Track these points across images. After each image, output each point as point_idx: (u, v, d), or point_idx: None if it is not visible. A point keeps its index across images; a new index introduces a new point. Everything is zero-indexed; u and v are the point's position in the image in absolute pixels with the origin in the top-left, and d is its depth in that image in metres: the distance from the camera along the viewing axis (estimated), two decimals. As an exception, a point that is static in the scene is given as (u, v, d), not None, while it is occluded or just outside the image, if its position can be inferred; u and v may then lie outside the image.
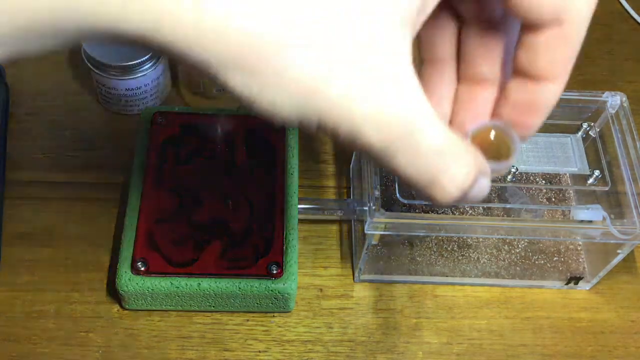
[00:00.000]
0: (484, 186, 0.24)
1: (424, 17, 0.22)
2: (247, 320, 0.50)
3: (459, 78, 0.27)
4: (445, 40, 0.26)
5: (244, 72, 0.19)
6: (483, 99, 0.26)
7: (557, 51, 0.24)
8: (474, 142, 0.25)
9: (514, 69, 0.25)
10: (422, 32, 0.26)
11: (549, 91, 0.24)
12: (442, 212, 0.53)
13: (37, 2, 0.17)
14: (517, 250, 0.53)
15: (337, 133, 0.21)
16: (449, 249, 0.53)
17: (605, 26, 0.72)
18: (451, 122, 0.27)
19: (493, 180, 0.54)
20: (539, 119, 0.25)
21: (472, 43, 0.26)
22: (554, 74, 0.24)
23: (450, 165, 0.22)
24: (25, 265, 0.51)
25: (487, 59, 0.26)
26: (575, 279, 0.53)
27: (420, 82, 0.24)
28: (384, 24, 0.20)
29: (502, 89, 0.26)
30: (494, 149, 0.26)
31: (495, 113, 0.26)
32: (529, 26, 0.23)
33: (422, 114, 0.21)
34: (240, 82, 0.19)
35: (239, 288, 0.47)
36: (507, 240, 0.53)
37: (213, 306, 0.49)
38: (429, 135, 0.21)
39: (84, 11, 0.17)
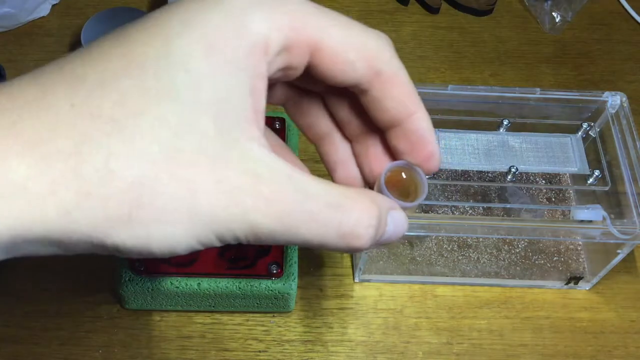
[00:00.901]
0: (400, 220, 0.25)
1: (262, 104, 0.23)
2: (247, 320, 0.50)
3: (348, 139, 0.29)
4: (319, 118, 0.29)
5: (127, 229, 0.20)
6: (375, 147, 0.28)
7: (394, 95, 0.25)
8: (389, 184, 0.27)
9: (378, 125, 0.27)
10: (298, 121, 0.29)
11: (417, 122, 0.26)
12: (442, 212, 0.53)
13: None
14: (517, 250, 0.53)
15: (238, 239, 0.22)
16: (449, 249, 0.53)
17: (605, 26, 0.72)
18: (363, 177, 0.29)
19: (493, 180, 0.54)
20: (430, 146, 0.26)
21: (337, 110, 0.28)
22: (407, 112, 0.26)
23: (350, 212, 0.23)
24: (25, 265, 0.51)
25: (356, 118, 0.28)
26: (575, 279, 0.53)
27: (331, 155, 0.28)
28: (228, 131, 0.21)
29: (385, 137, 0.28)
30: (407, 185, 0.27)
31: (395, 159, 0.28)
32: (359, 90, 0.25)
33: (300, 185, 0.22)
34: (128, 239, 0.20)
35: (239, 288, 0.47)
36: (507, 240, 0.53)
37: (213, 306, 0.49)
38: (318, 198, 0.22)
39: None
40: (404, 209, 0.26)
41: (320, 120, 0.29)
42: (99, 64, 0.21)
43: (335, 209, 0.23)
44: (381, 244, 0.25)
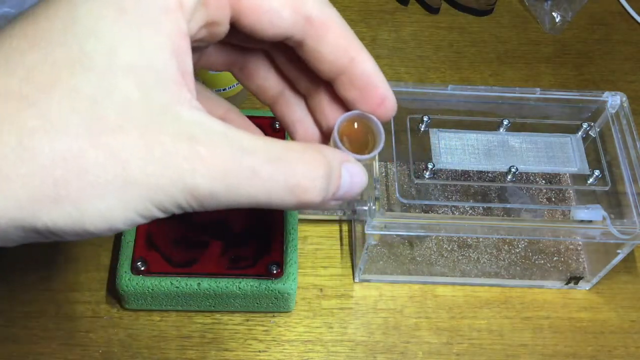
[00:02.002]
0: (355, 171, 0.24)
1: (189, 73, 0.22)
2: (247, 320, 0.50)
3: (302, 95, 0.28)
4: (268, 78, 0.28)
5: (56, 208, 0.19)
6: (330, 100, 0.27)
7: (330, 40, 0.24)
8: (343, 136, 0.25)
9: (323, 77, 0.25)
10: (248, 85, 0.28)
11: (360, 65, 0.25)
12: (442, 212, 0.53)
13: None
14: (517, 250, 0.53)
15: (180, 206, 0.21)
16: (449, 249, 0.53)
17: (605, 26, 0.72)
18: (322, 133, 0.28)
19: (493, 180, 0.54)
20: (380, 89, 0.25)
21: (285, 67, 0.27)
22: (348, 56, 0.24)
23: (295, 165, 0.22)
24: (25, 265, 0.51)
25: (305, 72, 0.27)
26: (575, 279, 0.53)
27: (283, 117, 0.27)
28: (158, 96, 0.20)
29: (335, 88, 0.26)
30: (364, 136, 0.26)
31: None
32: (295, 42, 0.24)
33: (239, 142, 0.21)
34: (59, 218, 0.19)
35: (239, 288, 0.47)
36: (507, 240, 0.53)
37: (213, 306, 0.49)
38: (258, 154, 0.21)
39: None
40: (361, 161, 0.25)
41: (269, 81, 0.28)
42: (4, 45, 0.20)
43: (278, 163, 0.21)
44: (340, 199, 0.24)
